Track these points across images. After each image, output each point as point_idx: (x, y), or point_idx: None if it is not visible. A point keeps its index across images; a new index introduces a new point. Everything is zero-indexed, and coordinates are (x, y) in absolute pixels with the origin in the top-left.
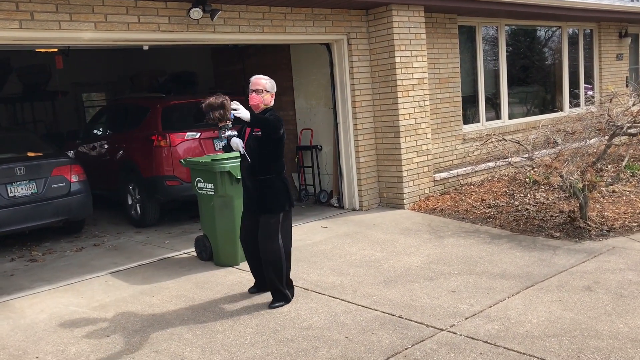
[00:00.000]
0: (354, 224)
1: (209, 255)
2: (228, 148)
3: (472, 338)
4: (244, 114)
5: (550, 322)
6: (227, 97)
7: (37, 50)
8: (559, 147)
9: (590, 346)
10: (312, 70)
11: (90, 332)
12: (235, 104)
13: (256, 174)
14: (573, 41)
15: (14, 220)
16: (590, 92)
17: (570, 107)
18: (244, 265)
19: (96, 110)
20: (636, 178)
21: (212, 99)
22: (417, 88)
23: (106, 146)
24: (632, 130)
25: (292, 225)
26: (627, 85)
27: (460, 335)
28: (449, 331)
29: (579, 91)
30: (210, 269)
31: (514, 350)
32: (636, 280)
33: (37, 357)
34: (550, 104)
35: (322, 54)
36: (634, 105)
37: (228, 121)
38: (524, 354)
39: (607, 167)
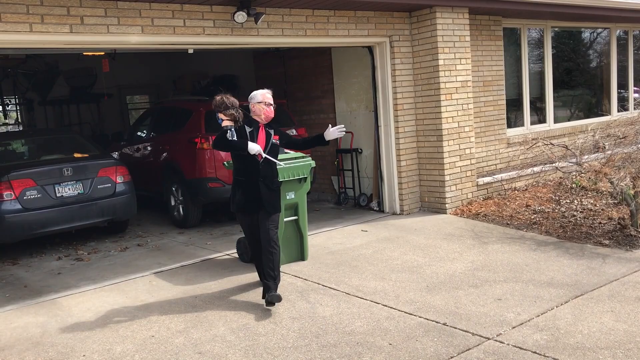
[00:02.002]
0: (395, 229)
1: (250, 257)
2: (229, 147)
3: (520, 348)
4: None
5: (603, 333)
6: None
7: (84, 53)
8: (609, 152)
9: None
10: (353, 73)
11: (135, 332)
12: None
13: (274, 177)
14: (621, 43)
15: (61, 219)
16: (637, 95)
17: (618, 111)
18: (286, 267)
19: (139, 112)
20: None
21: (222, 98)
22: (460, 91)
23: (150, 148)
24: None
25: (332, 228)
26: None
27: (508, 344)
28: (496, 340)
29: (627, 94)
30: (251, 270)
31: None
32: None
33: (84, 356)
34: (596, 108)
35: (363, 56)
36: None
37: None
38: None
39: None
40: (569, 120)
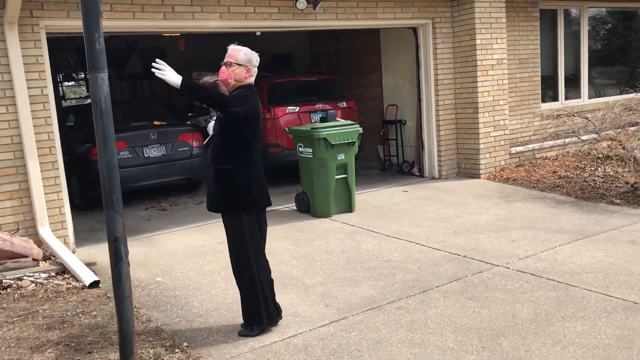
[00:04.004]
0: (432, 190)
1: (307, 208)
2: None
3: (522, 272)
4: (170, 76)
5: (591, 263)
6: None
7: (163, 34)
8: (624, 123)
9: (620, 280)
10: (399, 52)
11: (219, 258)
12: (160, 63)
13: (215, 161)
14: None
15: (148, 176)
16: None
17: None
18: (336, 217)
19: None
20: None
21: (207, 79)
22: (496, 68)
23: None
24: None
25: (377, 189)
26: None
27: (512, 269)
28: (504, 267)
29: None
30: (307, 219)
31: (554, 280)
32: None
33: (181, 272)
34: (635, 85)
35: (408, 36)
36: None
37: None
38: (561, 282)
39: None
40: (606, 97)
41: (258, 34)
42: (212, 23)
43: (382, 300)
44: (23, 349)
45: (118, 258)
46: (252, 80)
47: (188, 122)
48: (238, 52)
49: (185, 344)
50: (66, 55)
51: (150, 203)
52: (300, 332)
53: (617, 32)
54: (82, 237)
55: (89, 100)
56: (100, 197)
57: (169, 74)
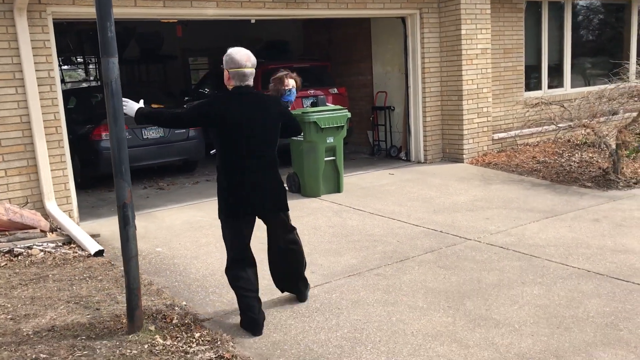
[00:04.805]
0: (417, 173)
1: (297, 188)
2: None
3: (491, 245)
4: (129, 106)
5: (555, 238)
6: (288, 73)
7: (161, 20)
8: (602, 113)
9: (579, 252)
10: (389, 40)
11: (214, 232)
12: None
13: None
14: None
15: (147, 156)
16: None
17: (637, 79)
18: (325, 196)
19: (199, 72)
20: None
21: (280, 74)
22: (480, 57)
23: None
24: None
25: (364, 172)
26: None
27: (483, 243)
28: (475, 240)
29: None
30: (298, 198)
31: (519, 252)
32: (639, 217)
33: (179, 243)
34: (616, 75)
35: (397, 26)
36: None
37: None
38: (526, 254)
39: None
40: (587, 86)
41: (253, 21)
42: (209, 11)
43: (362, 268)
44: (38, 306)
45: (126, 222)
46: (235, 82)
47: (184, 106)
48: (226, 55)
49: (184, 302)
50: (66, 40)
51: (148, 182)
52: None
53: (601, 24)
54: (85, 212)
55: (85, 84)
56: (100, 176)
57: (129, 106)
